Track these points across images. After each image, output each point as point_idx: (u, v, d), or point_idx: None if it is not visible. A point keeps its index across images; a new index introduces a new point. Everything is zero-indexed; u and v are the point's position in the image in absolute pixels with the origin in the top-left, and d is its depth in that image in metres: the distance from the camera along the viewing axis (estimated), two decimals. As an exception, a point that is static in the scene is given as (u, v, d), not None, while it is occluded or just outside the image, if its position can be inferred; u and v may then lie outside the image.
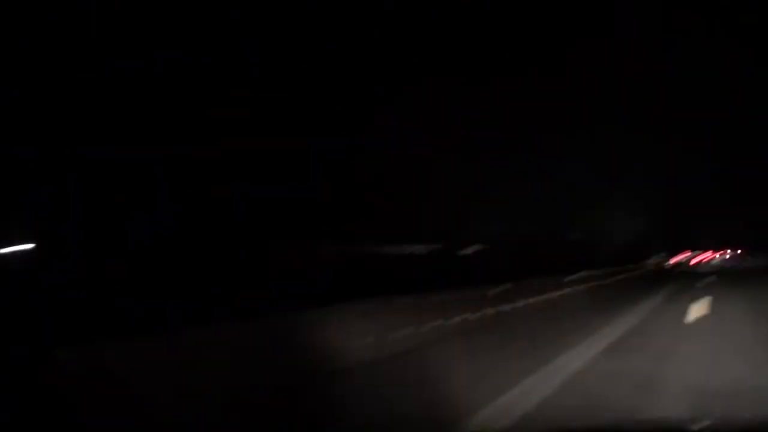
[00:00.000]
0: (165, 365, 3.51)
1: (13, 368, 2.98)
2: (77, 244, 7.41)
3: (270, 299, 5.88)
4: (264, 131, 11.87)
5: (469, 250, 27.22)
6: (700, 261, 45.24)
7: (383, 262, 15.21)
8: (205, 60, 9.93)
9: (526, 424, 3.92)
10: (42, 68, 7.74)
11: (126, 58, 8.61)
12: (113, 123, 8.80)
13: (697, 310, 10.69)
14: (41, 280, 6.17)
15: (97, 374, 3.16)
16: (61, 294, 5.55)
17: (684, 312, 10.44)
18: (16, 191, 7.23)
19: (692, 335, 7.97)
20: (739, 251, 52.32)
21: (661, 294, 15.20)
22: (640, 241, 46.52)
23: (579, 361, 6.19)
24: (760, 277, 21.29)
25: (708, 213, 58.71)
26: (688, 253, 46.42)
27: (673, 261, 41.78)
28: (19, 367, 3.00)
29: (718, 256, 52.01)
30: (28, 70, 7.48)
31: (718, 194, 56.51)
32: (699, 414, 3.75)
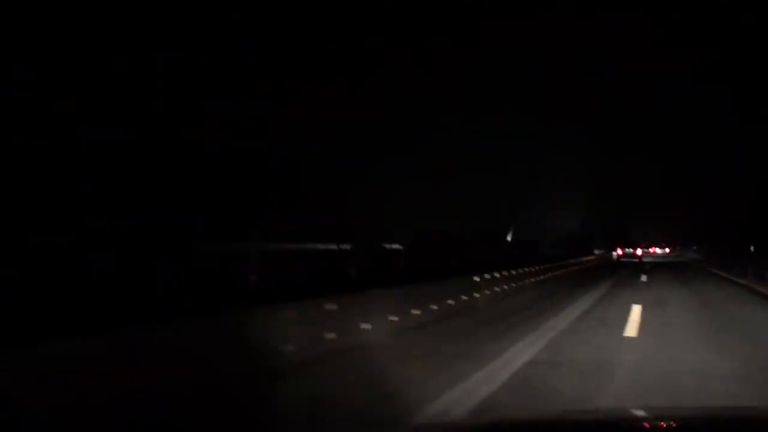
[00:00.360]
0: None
1: None
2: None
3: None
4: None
5: (390, 247, 24.45)
6: (642, 254, 52.50)
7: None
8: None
9: None
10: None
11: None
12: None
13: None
14: None
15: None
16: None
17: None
18: None
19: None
20: (669, 248, 63.42)
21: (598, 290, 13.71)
22: (579, 238, 46.64)
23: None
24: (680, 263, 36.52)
25: (646, 213, 62.41)
26: (629, 249, 53.40)
27: (617, 254, 48.86)
28: None
29: (658, 250, 61.10)
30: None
31: (655, 196, 58.99)
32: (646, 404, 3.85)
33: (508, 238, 35.06)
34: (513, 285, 12.01)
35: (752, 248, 26.52)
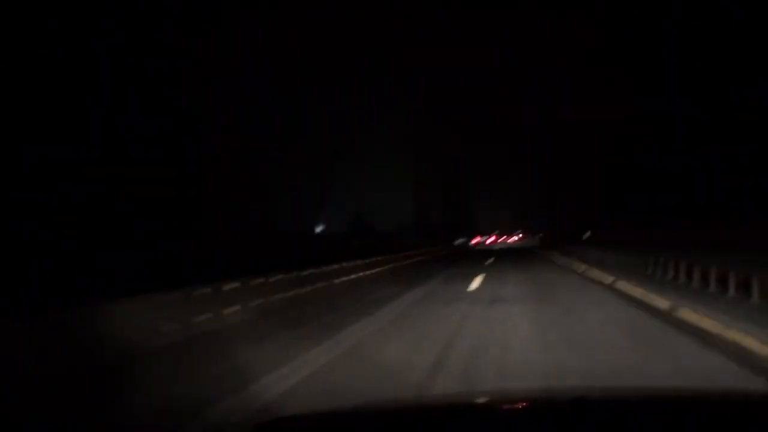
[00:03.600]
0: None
1: None
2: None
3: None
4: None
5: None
6: (492, 242, 60.47)
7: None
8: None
9: None
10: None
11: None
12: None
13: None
14: None
15: None
16: None
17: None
18: None
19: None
20: (520, 235, 68.06)
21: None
22: (440, 228, 50.66)
23: None
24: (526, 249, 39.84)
25: (500, 206, 70.03)
26: (484, 238, 61.18)
27: (473, 242, 55.70)
28: None
29: (513, 239, 66.19)
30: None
31: (506, 188, 66.98)
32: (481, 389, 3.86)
33: (317, 230, 28.53)
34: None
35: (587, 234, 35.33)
